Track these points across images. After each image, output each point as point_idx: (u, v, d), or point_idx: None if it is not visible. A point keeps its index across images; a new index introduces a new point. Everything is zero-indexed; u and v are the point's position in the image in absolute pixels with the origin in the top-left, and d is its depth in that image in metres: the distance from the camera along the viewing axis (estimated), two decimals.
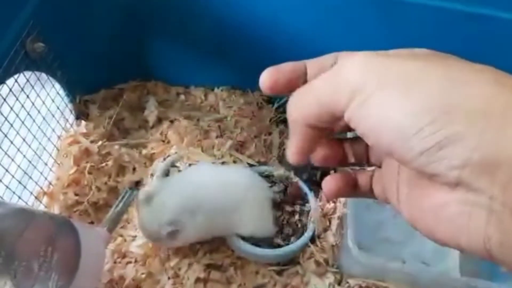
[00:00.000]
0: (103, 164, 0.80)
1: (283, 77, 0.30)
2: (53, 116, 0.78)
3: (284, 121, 0.95)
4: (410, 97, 0.24)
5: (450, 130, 0.23)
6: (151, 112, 0.89)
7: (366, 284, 0.75)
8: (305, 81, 0.30)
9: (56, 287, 0.54)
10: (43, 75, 0.73)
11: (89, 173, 0.79)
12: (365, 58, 0.26)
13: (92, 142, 0.81)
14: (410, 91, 0.24)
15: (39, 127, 0.74)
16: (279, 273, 0.77)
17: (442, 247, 0.86)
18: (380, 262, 0.75)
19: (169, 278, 0.74)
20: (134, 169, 0.83)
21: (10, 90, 0.65)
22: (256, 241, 0.75)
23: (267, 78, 0.30)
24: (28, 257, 0.53)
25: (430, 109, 0.23)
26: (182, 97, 0.93)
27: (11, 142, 0.67)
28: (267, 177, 0.84)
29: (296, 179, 0.84)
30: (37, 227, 0.55)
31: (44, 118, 0.75)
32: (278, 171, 0.84)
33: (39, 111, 0.73)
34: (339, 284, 0.75)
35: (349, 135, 0.34)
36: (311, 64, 0.31)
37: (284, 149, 0.91)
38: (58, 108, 0.79)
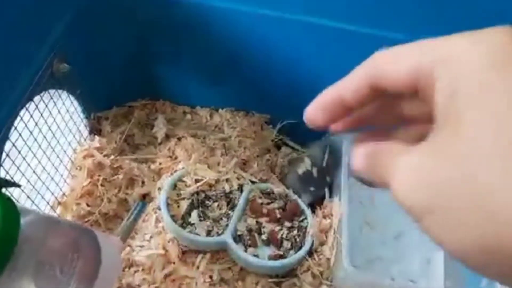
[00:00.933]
0: (115, 177, 0.85)
1: (326, 116, 0.31)
2: (70, 131, 0.83)
3: (285, 143, 1.02)
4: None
5: None
6: (160, 129, 0.94)
7: None
8: (345, 109, 0.30)
9: None
10: (64, 92, 0.79)
11: (102, 185, 0.84)
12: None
13: (105, 156, 0.86)
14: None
15: (58, 141, 0.79)
16: (278, 284, 0.83)
17: (427, 269, 0.92)
18: (371, 280, 0.81)
19: None
20: (143, 182, 0.88)
21: (36, 106, 0.70)
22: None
23: (312, 120, 0.31)
24: (53, 262, 0.57)
25: None
26: (189, 116, 0.99)
27: (34, 155, 0.72)
28: (268, 194, 0.90)
29: (295, 197, 0.90)
30: (62, 233, 0.59)
31: (62, 133, 0.80)
32: (278, 188, 0.90)
33: (58, 126, 0.78)
34: None
35: None
36: (346, 91, 0.30)
37: (284, 169, 0.97)
38: (75, 123, 0.84)
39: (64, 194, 0.83)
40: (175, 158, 0.91)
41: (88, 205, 0.83)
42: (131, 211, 0.76)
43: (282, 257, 0.82)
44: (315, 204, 0.91)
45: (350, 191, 0.99)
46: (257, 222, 0.86)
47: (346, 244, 0.76)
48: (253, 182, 0.90)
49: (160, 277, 0.79)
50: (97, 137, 0.88)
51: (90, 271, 0.60)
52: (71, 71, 0.76)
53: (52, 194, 0.80)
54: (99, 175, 0.84)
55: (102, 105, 0.94)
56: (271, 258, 0.81)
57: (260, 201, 0.88)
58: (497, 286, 0.76)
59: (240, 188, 0.88)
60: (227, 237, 0.81)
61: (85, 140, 0.88)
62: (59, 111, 0.77)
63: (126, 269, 0.80)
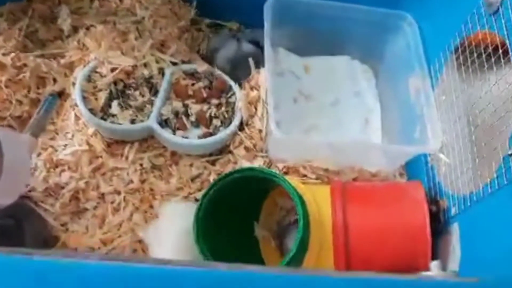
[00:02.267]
0: (20, 77, 0.78)
1: None
2: None
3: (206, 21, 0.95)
4: None
5: None
6: (64, 21, 0.85)
7: (293, 165, 0.79)
8: None
9: None
10: None
11: (6, 86, 0.76)
12: None
13: (4, 55, 0.77)
14: None
15: None
16: (212, 163, 0.81)
17: (365, 130, 0.91)
18: (304, 140, 0.80)
19: (105, 182, 0.76)
20: (54, 79, 0.81)
21: None
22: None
23: None
24: None
25: None
26: (96, 3, 0.89)
27: None
28: (192, 74, 0.85)
29: (220, 74, 0.85)
30: None
31: None
32: (202, 67, 0.85)
33: None
34: (269, 167, 0.79)
35: None
36: None
37: (207, 47, 0.91)
38: None
39: None
40: (86, 49, 0.83)
41: None
42: (40, 106, 0.70)
43: (212, 135, 0.79)
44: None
45: (282, 63, 0.96)
46: (183, 104, 0.82)
47: (271, 107, 0.72)
48: (174, 64, 0.84)
49: (88, 171, 0.76)
50: None
51: None
52: None
53: None
54: (2, 76, 0.76)
55: None
56: (201, 137, 0.79)
57: (184, 82, 0.83)
58: (429, 134, 0.76)
59: (161, 72, 0.83)
60: (151, 122, 0.77)
61: None
62: None
63: (52, 170, 0.76)
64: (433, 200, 0.76)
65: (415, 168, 0.83)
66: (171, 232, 0.70)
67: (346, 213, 0.72)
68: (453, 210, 0.71)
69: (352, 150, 0.80)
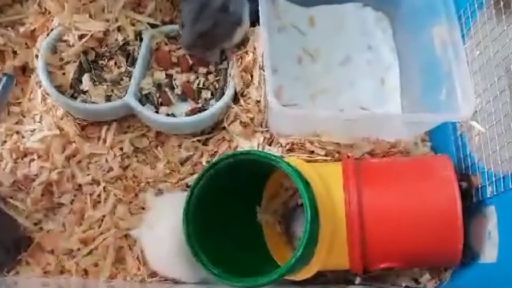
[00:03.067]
0: None
1: None
2: None
3: None
4: None
5: None
6: None
7: (298, 141, 0.68)
8: None
9: None
10: None
11: None
12: None
13: None
14: None
15: None
16: (204, 142, 0.70)
17: (382, 92, 0.78)
18: (307, 114, 0.68)
19: (81, 171, 0.67)
20: (14, 52, 0.70)
21: None
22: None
23: None
24: None
25: None
26: None
27: None
28: (175, 38, 0.72)
29: None
30: None
31: None
32: None
33: None
34: (270, 144, 0.68)
35: None
36: None
37: None
38: None
39: None
40: (48, 13, 0.71)
41: None
42: None
43: (202, 110, 0.68)
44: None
45: (282, 15, 0.82)
46: (166, 75, 0.70)
47: (269, 72, 0.60)
48: (154, 26, 0.72)
49: (61, 160, 0.66)
50: None
51: None
52: None
53: None
54: None
55: None
56: (189, 114, 0.68)
57: (166, 48, 0.71)
58: (458, 97, 0.64)
59: (138, 37, 0.71)
60: (129, 99, 0.66)
61: None
62: None
63: (20, 160, 0.67)
64: (463, 174, 0.65)
65: (441, 135, 0.72)
66: (167, 231, 0.61)
67: (361, 196, 0.61)
68: (489, 190, 0.60)
69: (368, 120, 0.68)
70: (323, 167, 0.65)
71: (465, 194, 0.63)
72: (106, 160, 0.67)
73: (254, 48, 0.69)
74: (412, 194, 0.62)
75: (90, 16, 0.69)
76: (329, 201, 0.60)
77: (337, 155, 0.68)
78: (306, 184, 0.57)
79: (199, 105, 0.68)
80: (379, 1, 0.83)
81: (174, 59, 0.71)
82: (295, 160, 0.63)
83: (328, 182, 0.62)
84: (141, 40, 0.70)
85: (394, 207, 0.62)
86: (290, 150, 0.68)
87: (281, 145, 0.68)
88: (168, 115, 0.67)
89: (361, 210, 0.61)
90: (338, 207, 0.61)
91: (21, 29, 0.70)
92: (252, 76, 0.69)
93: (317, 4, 0.83)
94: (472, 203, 0.63)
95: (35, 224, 0.64)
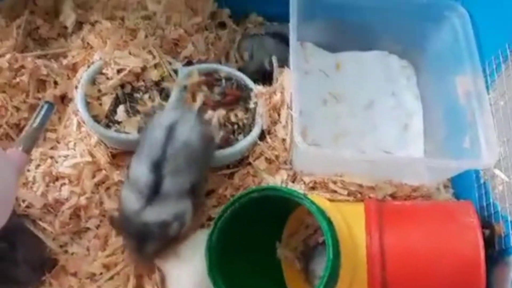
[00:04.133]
0: (17, 80, 0.70)
1: None
2: None
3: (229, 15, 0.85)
4: None
5: None
6: (68, 16, 0.77)
7: (321, 179, 0.69)
8: None
9: None
10: None
11: (2, 91, 0.69)
12: None
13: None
14: None
15: None
16: (230, 176, 0.72)
17: (405, 136, 0.78)
18: (332, 154, 0.69)
19: (109, 198, 0.68)
20: (55, 82, 0.74)
21: None
22: None
23: None
24: None
25: None
26: None
27: None
28: (208, 76, 0.75)
29: (241, 75, 0.76)
30: None
31: None
32: (219, 67, 0.76)
33: None
34: (293, 181, 0.70)
35: None
36: None
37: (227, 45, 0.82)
38: None
39: None
40: (90, 48, 0.75)
41: None
42: (34, 115, 0.63)
43: (228, 144, 0.69)
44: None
45: (310, 59, 0.85)
46: (197, 110, 0.72)
47: (297, 112, 0.62)
48: (188, 64, 0.75)
49: (91, 186, 0.68)
50: None
51: None
52: None
53: None
54: None
55: None
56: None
57: (199, 86, 0.74)
58: (482, 145, 0.64)
59: (174, 73, 0.74)
60: None
61: None
62: None
63: (51, 184, 0.69)
64: (486, 222, 0.65)
65: (463, 182, 0.72)
66: (193, 263, 0.62)
67: (382, 238, 0.61)
68: None
69: (390, 163, 0.69)
70: (345, 206, 0.65)
71: (488, 242, 0.62)
72: None
73: (283, 88, 0.72)
74: (435, 238, 0.62)
75: (130, 53, 0.73)
76: (350, 241, 0.61)
77: (359, 195, 0.68)
78: (329, 222, 0.58)
79: (226, 140, 0.70)
80: (405, 50, 0.86)
81: (205, 96, 0.73)
82: (318, 198, 0.64)
83: (350, 221, 0.63)
84: (175, 77, 0.74)
85: (415, 250, 0.62)
86: (313, 188, 0.69)
87: (304, 183, 0.69)
88: None
89: (383, 251, 0.61)
90: (359, 247, 0.61)
91: (64, 61, 0.75)
92: (279, 115, 0.71)
93: (344, 50, 0.86)
94: (494, 251, 0.62)
95: (61, 246, 0.65)
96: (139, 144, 0.62)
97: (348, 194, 0.68)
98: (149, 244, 0.60)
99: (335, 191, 0.68)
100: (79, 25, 0.79)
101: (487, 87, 0.68)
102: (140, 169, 0.60)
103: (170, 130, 0.60)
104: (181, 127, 0.60)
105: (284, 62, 0.75)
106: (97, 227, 0.67)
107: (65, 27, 0.78)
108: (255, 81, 0.75)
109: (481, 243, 0.59)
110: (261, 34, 0.77)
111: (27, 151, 0.59)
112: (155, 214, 0.59)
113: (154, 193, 0.59)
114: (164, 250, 0.61)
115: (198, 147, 0.61)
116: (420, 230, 0.63)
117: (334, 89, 0.83)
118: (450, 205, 0.68)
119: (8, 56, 0.70)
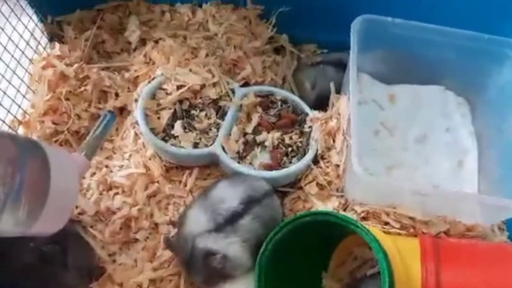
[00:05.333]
0: (82, 89, 0.73)
1: None
2: (21, 36, 0.69)
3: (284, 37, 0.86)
4: None
5: None
6: (133, 32, 0.80)
7: (374, 210, 0.68)
8: None
9: (26, 213, 0.47)
10: None
11: (67, 99, 0.72)
12: None
13: (67, 65, 0.73)
14: None
15: (5, 48, 0.66)
16: (280, 197, 0.71)
17: (459, 173, 0.76)
18: (388, 183, 0.68)
19: (160, 210, 0.69)
20: (117, 94, 0.76)
21: None
22: None
23: None
24: None
25: None
26: (168, 15, 0.84)
27: None
28: (264, 97, 0.76)
29: (296, 99, 0.76)
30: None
31: (10, 38, 0.67)
32: (276, 89, 0.76)
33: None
34: (344, 210, 0.68)
35: None
36: None
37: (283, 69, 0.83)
38: (26, 27, 0.70)
39: (25, 112, 0.72)
40: (152, 64, 0.77)
41: (54, 123, 0.71)
42: (97, 123, 0.64)
43: (281, 167, 0.69)
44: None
45: (364, 90, 0.85)
46: (252, 130, 0.73)
47: (355, 143, 0.62)
48: (246, 85, 0.76)
49: (143, 198, 0.69)
50: (57, 45, 0.75)
51: (39, 186, 0.49)
52: None
53: (8, 111, 0.68)
54: (63, 87, 0.72)
55: (62, 8, 0.79)
56: (267, 169, 0.69)
57: (255, 107, 0.75)
58: None
59: (231, 93, 0.75)
60: (217, 148, 0.69)
61: (44, 48, 0.75)
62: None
63: (105, 192, 0.70)
64: None
65: None
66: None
67: (439, 275, 0.59)
68: None
69: (444, 198, 0.67)
70: (399, 240, 0.63)
71: None
72: (184, 203, 0.69)
73: (339, 114, 0.72)
74: (492, 280, 0.60)
75: (190, 70, 0.74)
76: (405, 276, 0.59)
77: (412, 230, 0.66)
78: (385, 254, 0.56)
79: (279, 162, 0.70)
80: (462, 87, 0.84)
81: (261, 117, 0.74)
82: (372, 228, 0.62)
83: (404, 256, 0.61)
84: (232, 97, 0.74)
85: None
86: (365, 218, 0.67)
87: (355, 211, 0.68)
88: (249, 168, 0.69)
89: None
90: (414, 283, 0.59)
91: (126, 75, 0.77)
92: (334, 140, 0.71)
93: (399, 83, 0.85)
94: None
95: (110, 255, 0.65)
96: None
97: (401, 227, 0.66)
98: (195, 269, 0.60)
99: (387, 223, 0.66)
100: (142, 41, 0.81)
101: None
102: (229, 192, 0.61)
103: None
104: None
105: (339, 88, 0.75)
106: (146, 239, 0.67)
107: (129, 43, 0.81)
108: (316, 109, 0.75)
109: None
110: (322, 63, 0.78)
111: (88, 157, 0.60)
112: (215, 242, 0.59)
113: (229, 222, 0.59)
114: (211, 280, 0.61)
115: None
116: (477, 270, 0.60)
117: (387, 120, 0.82)
118: (508, 247, 0.66)
119: (75, 65, 0.73)
